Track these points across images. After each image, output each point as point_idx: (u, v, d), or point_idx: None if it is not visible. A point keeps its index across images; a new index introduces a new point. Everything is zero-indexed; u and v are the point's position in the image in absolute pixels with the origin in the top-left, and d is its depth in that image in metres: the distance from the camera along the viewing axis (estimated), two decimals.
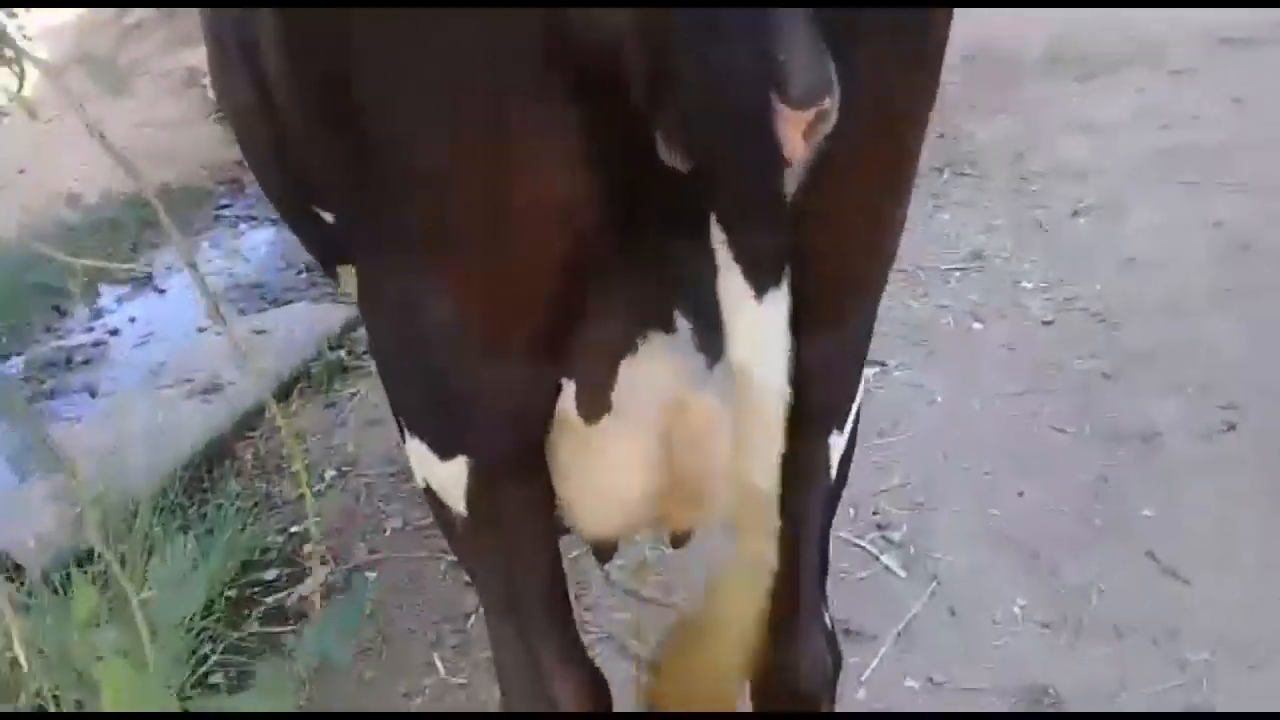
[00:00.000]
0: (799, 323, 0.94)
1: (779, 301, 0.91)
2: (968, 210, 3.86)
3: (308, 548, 2.61)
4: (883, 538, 2.49)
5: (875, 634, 2.23)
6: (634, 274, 1.02)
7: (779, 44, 0.82)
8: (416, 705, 2.21)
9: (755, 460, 0.98)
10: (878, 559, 2.43)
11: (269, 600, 2.48)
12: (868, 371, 1.55)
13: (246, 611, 2.44)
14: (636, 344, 1.05)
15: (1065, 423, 2.78)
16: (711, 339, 1.04)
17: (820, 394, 1.16)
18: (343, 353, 3.34)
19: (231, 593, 2.47)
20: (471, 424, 1.13)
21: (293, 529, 2.69)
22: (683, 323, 1.05)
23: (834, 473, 1.29)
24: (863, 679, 2.14)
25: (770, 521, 0.99)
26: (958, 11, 1.03)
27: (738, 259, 0.90)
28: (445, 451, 1.17)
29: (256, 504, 2.73)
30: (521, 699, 1.35)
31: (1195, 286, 3.26)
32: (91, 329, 3.57)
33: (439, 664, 2.30)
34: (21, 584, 2.35)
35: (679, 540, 1.38)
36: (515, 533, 1.23)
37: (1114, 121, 4.39)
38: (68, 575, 1.87)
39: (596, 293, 1.03)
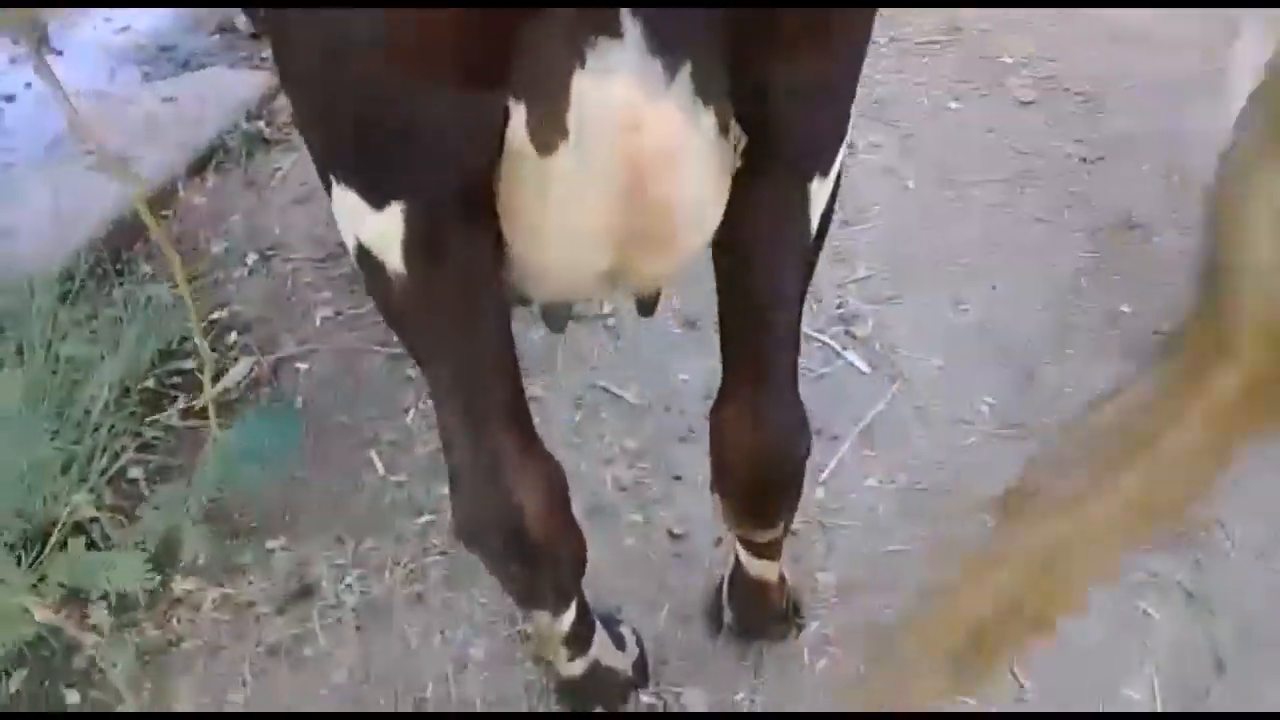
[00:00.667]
0: (769, 42, 0.79)
1: None
2: None
3: (229, 337, 2.42)
4: (846, 332, 2.36)
5: (836, 433, 2.12)
6: None
7: None
8: (352, 505, 2.09)
9: None
10: (840, 354, 2.31)
11: (189, 393, 2.30)
12: None
13: (165, 404, 2.27)
14: (585, 54, 0.86)
15: (1044, 212, 2.62)
16: (666, 41, 0.86)
17: (798, 127, 1.00)
18: (263, 124, 3.03)
19: (149, 383, 2.30)
20: (408, 160, 0.96)
21: (213, 316, 2.49)
22: (630, 24, 0.85)
23: (814, 227, 1.12)
24: (822, 479, 2.04)
25: None
26: None
27: None
28: (379, 199, 1.00)
29: (172, 288, 2.50)
30: (473, 486, 1.22)
31: (1184, 66, 3.04)
32: None
33: (376, 461, 2.17)
34: None
35: (645, 306, 1.20)
36: (463, 291, 1.07)
37: None
38: None
39: None
